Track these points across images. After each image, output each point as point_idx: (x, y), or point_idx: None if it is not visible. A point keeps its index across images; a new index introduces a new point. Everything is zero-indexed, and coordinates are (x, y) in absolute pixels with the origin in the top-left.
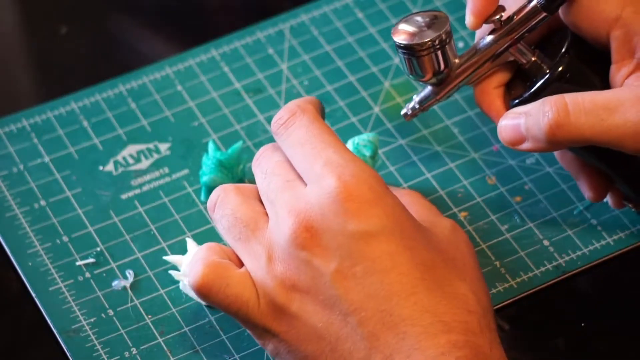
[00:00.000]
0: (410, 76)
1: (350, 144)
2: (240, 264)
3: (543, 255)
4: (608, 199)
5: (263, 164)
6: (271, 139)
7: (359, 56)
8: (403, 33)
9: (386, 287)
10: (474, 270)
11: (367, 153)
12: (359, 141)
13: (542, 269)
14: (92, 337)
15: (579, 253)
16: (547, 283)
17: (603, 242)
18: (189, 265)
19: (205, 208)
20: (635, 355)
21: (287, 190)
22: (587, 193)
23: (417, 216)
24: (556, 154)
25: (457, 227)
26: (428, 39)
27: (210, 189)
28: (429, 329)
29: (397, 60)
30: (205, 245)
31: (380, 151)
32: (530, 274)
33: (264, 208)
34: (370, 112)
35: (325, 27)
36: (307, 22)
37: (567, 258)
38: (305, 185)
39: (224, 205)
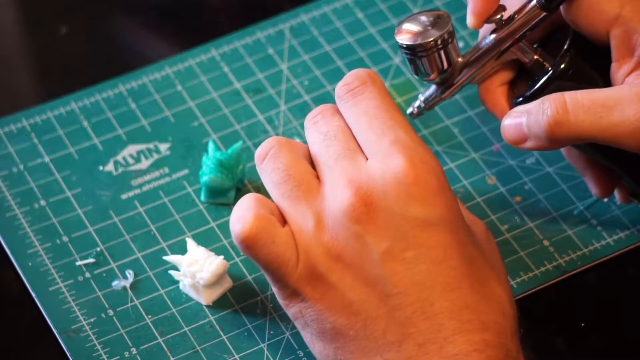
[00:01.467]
0: (415, 76)
1: None
2: (283, 222)
3: (543, 255)
4: (615, 194)
5: (322, 125)
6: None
7: (359, 56)
8: (406, 33)
9: (433, 277)
10: (505, 275)
11: None
12: None
13: (542, 269)
14: (92, 337)
15: (579, 253)
16: (547, 283)
17: (603, 242)
18: (233, 211)
19: (206, 208)
20: (635, 355)
21: (348, 158)
22: (593, 189)
23: None
24: (562, 150)
25: (489, 231)
26: (431, 39)
27: (210, 189)
28: (466, 325)
29: (397, 60)
30: (252, 195)
31: None
32: (530, 274)
33: (315, 170)
34: None
35: (325, 27)
36: (307, 22)
37: (567, 258)
38: (366, 158)
39: (277, 158)
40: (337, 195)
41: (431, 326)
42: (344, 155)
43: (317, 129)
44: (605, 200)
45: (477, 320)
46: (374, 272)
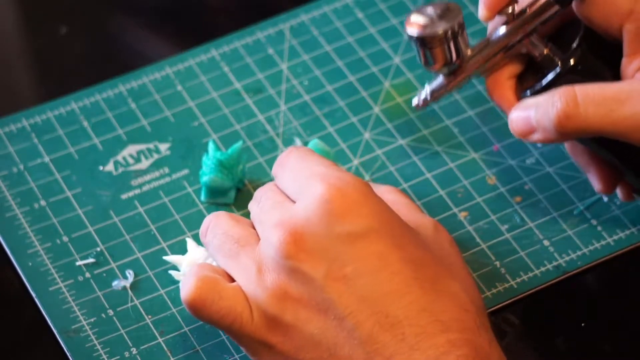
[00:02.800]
0: (423, 66)
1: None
2: (231, 281)
3: (543, 255)
4: (618, 191)
5: (257, 196)
6: (271, 139)
7: (359, 56)
8: (415, 24)
9: (379, 288)
10: (462, 269)
11: None
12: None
13: (542, 269)
14: (92, 337)
15: (579, 253)
16: (547, 283)
17: (603, 242)
18: (181, 283)
19: (206, 208)
20: (635, 355)
21: (276, 208)
22: (596, 185)
23: (401, 216)
24: (567, 146)
25: (439, 227)
26: (440, 30)
27: (210, 189)
28: (427, 328)
29: (397, 60)
30: (197, 264)
31: (380, 151)
32: (530, 274)
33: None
34: (370, 112)
35: (325, 27)
36: (307, 22)
37: (567, 258)
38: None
39: (215, 226)
40: (269, 239)
41: (394, 337)
42: (272, 207)
43: (254, 200)
44: (606, 200)
45: (436, 322)
46: (322, 298)
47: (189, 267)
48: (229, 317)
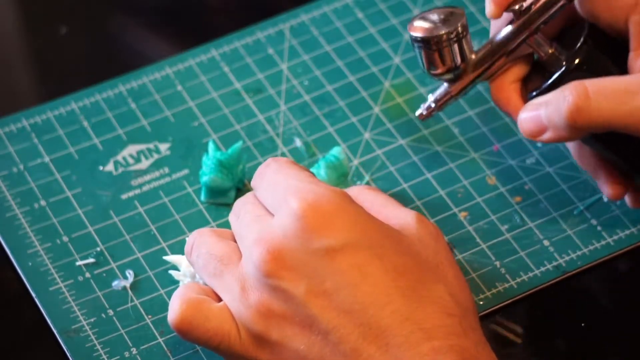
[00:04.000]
0: (427, 72)
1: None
2: (219, 301)
3: (543, 255)
4: (626, 198)
5: (236, 209)
6: (271, 139)
7: (359, 56)
8: (419, 26)
9: (360, 300)
10: (449, 268)
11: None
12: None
13: (542, 269)
14: (92, 337)
15: (579, 253)
16: (547, 283)
17: (603, 242)
18: (169, 305)
19: (206, 208)
20: (636, 355)
21: (256, 223)
22: (606, 190)
23: (381, 216)
24: (573, 152)
25: (422, 220)
26: (444, 32)
27: (210, 189)
28: (410, 338)
29: (397, 60)
30: (183, 285)
31: (380, 151)
32: (530, 274)
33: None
34: (370, 112)
35: (325, 27)
36: (307, 22)
37: (567, 258)
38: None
39: (199, 246)
40: (250, 256)
41: (378, 349)
42: (252, 221)
43: (234, 213)
44: (606, 200)
45: (419, 330)
46: (305, 314)
47: (189, 267)
48: (216, 337)
